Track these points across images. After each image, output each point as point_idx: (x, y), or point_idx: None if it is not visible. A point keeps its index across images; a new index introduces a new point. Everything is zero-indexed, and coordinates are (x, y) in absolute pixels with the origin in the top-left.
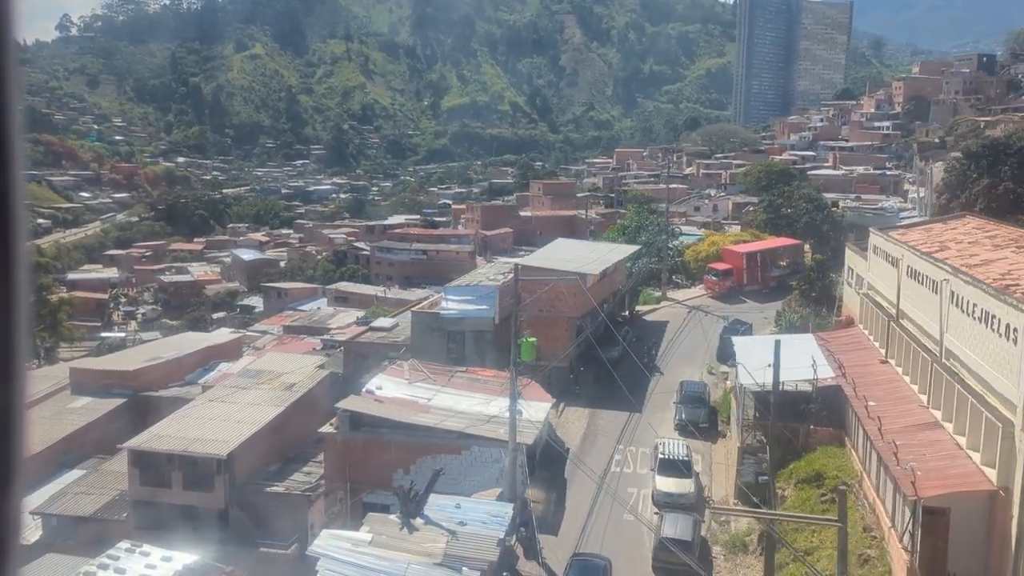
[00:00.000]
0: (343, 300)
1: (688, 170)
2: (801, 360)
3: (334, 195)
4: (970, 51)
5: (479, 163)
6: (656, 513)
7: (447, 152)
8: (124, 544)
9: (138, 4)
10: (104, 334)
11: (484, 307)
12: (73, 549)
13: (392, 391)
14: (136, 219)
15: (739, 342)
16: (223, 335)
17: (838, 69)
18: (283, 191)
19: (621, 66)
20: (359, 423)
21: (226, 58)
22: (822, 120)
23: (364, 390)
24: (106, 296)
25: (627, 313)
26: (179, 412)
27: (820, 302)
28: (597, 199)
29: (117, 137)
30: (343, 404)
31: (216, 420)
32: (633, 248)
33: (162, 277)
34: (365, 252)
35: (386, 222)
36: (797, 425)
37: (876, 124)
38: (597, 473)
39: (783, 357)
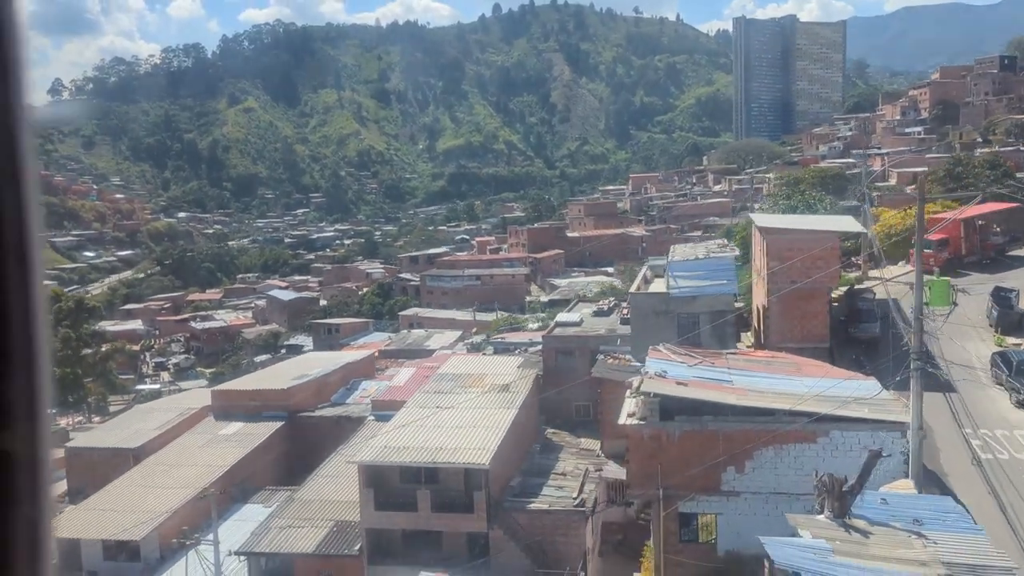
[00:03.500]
0: (417, 327)
1: (717, 187)
2: None
3: (338, 241)
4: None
5: (478, 201)
6: None
7: (445, 193)
8: None
9: (129, 65)
10: (139, 387)
11: (723, 282)
12: None
13: (680, 374)
14: (143, 275)
15: None
16: (353, 353)
17: (835, 88)
18: (286, 240)
19: (612, 100)
20: (670, 411)
21: (220, 113)
22: (851, 129)
23: (650, 373)
24: (136, 348)
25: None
26: (393, 422)
27: None
28: (638, 219)
29: (117, 196)
30: (647, 387)
31: (447, 428)
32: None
33: (193, 325)
34: (412, 283)
35: (431, 252)
36: None
37: (907, 130)
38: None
39: None
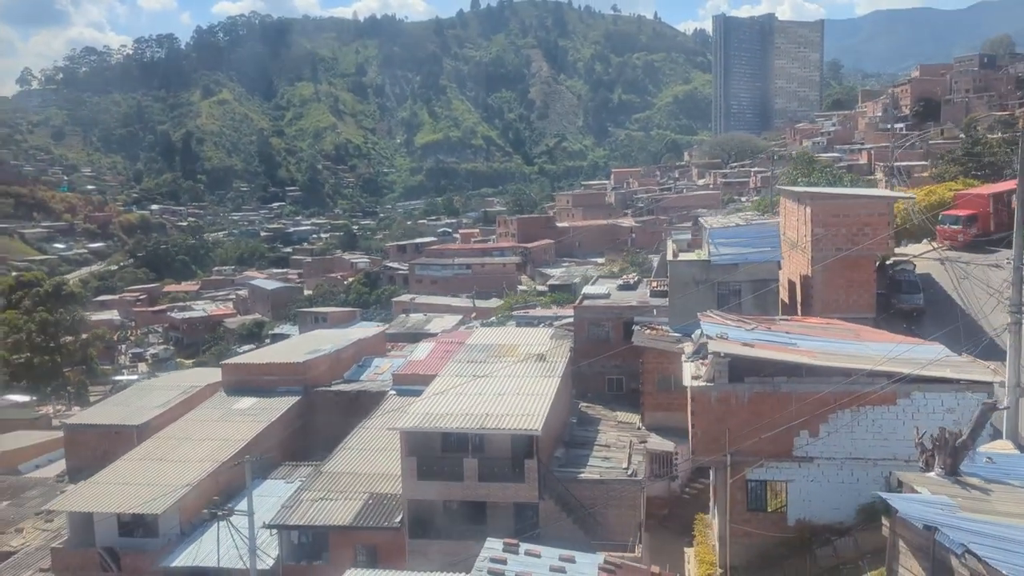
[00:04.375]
0: (413, 312)
1: (701, 181)
2: None
3: (315, 235)
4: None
5: (458, 196)
6: None
7: (423, 188)
8: (495, 544)
9: (100, 55)
10: (116, 377)
11: (766, 250)
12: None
13: (740, 336)
14: (116, 267)
15: None
16: (365, 329)
17: (813, 87)
18: (262, 233)
19: (590, 97)
20: (739, 373)
21: (193, 105)
22: (834, 125)
23: (712, 336)
24: (114, 338)
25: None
26: (430, 390)
27: None
28: (623, 212)
29: (89, 187)
30: (715, 347)
31: (488, 395)
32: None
33: (172, 315)
34: (401, 272)
35: (419, 241)
36: None
37: (888, 126)
38: None
39: None
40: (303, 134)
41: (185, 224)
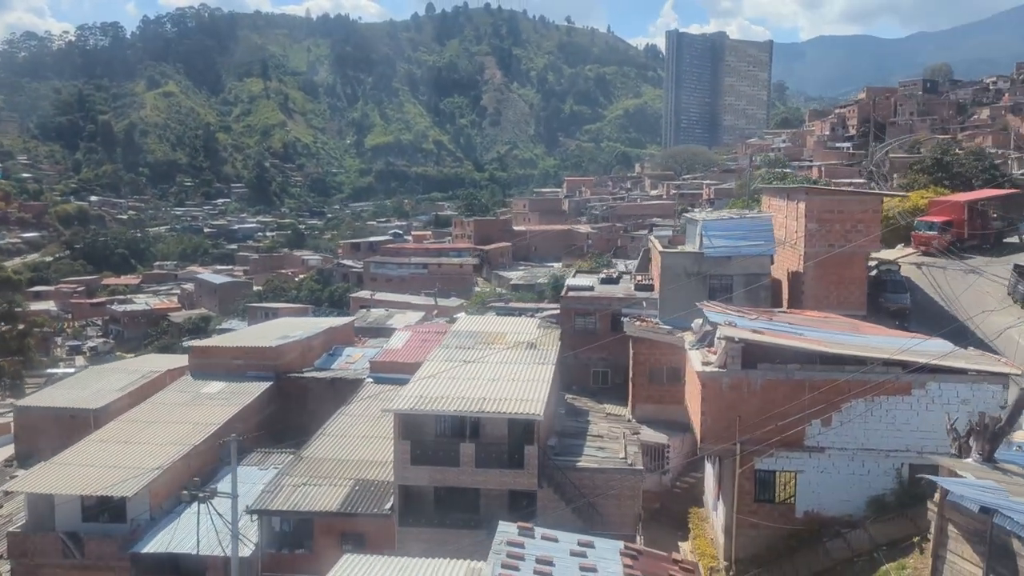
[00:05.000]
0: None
1: (654, 192)
2: None
3: (260, 233)
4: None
5: (408, 199)
6: None
7: (372, 190)
8: (509, 528)
9: (41, 40)
10: (51, 370)
11: (759, 243)
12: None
13: (746, 325)
14: (51, 258)
15: None
16: (334, 319)
17: (760, 105)
18: (206, 230)
19: (542, 106)
20: (750, 359)
21: (137, 95)
22: (784, 141)
23: (722, 323)
24: (51, 330)
25: None
26: (420, 374)
27: None
28: (579, 218)
29: (24, 175)
30: (725, 332)
31: (482, 380)
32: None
33: (113, 308)
34: (355, 269)
35: (374, 239)
36: None
37: (837, 145)
38: None
39: None
40: (251, 131)
41: (125, 217)
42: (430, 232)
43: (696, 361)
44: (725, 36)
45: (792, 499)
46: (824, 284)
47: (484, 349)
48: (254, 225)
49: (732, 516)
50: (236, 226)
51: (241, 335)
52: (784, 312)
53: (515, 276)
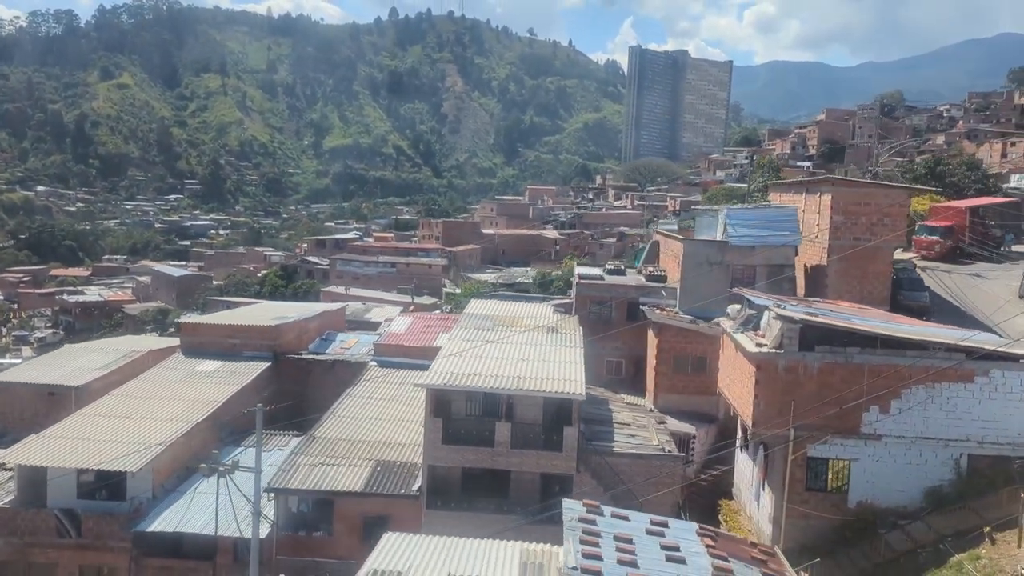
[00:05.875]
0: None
1: (618, 203)
2: None
3: (213, 231)
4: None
5: (366, 202)
6: None
7: (330, 192)
8: (575, 506)
9: None
10: None
11: (784, 233)
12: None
13: (795, 310)
14: None
15: None
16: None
17: (719, 124)
18: (157, 225)
19: (502, 116)
20: (810, 340)
21: (90, 86)
22: (746, 158)
23: (766, 305)
24: None
25: None
26: (444, 352)
27: None
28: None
29: None
30: (787, 312)
31: (511, 360)
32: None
33: (63, 298)
34: (320, 266)
35: (339, 236)
36: None
37: (799, 163)
38: None
39: None
40: (207, 127)
41: (74, 209)
42: (391, 235)
43: (748, 343)
44: (687, 54)
45: (845, 488)
46: (848, 278)
47: (503, 331)
48: (207, 222)
49: (782, 505)
50: (189, 223)
51: (231, 315)
52: (819, 301)
53: (486, 277)
